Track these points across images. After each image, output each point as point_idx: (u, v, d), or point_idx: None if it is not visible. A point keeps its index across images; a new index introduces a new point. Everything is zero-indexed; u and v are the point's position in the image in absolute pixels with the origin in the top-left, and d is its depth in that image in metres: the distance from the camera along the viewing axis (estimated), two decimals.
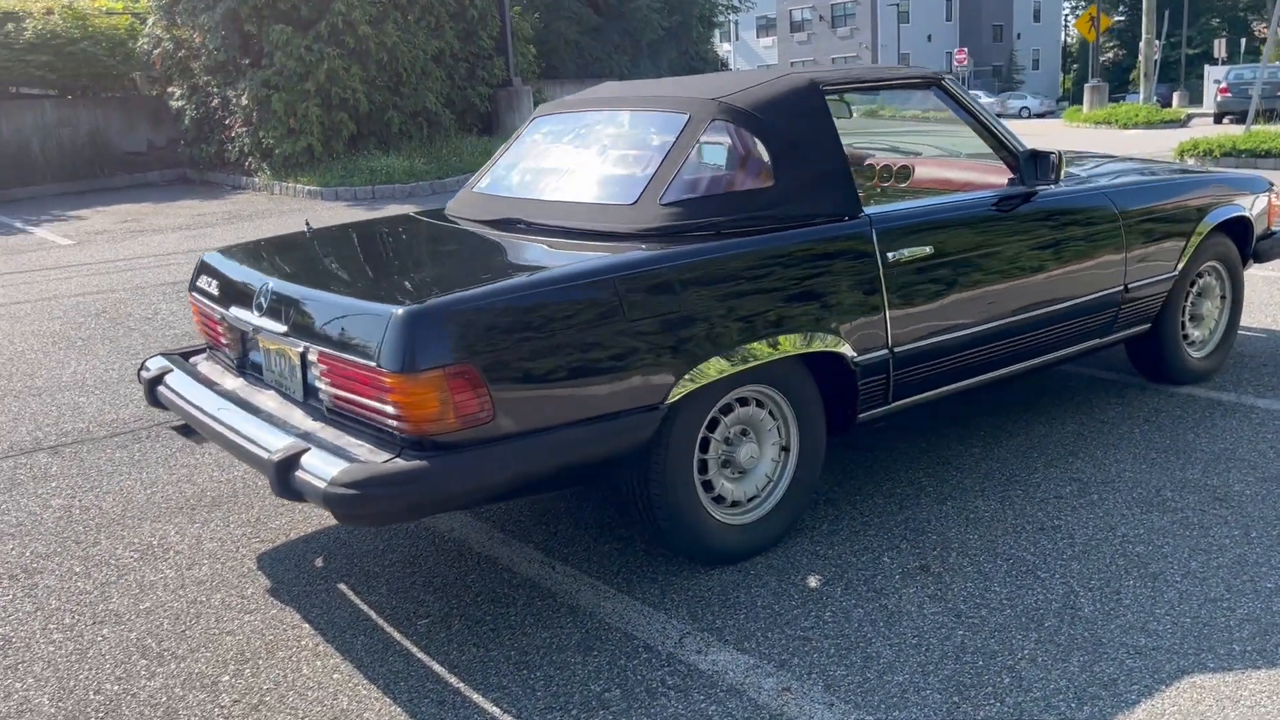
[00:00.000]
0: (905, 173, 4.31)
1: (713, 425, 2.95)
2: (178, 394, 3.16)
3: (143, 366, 3.43)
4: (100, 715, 2.44)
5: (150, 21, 16.17)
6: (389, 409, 2.45)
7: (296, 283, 2.89)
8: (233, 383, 3.13)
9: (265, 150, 14.61)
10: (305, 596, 2.97)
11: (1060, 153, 3.57)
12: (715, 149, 3.26)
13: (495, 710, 2.39)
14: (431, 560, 3.16)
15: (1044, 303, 3.60)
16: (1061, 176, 3.57)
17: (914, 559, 3.01)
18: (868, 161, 4.49)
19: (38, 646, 2.75)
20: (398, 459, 2.44)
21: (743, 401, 3.00)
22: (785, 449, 3.12)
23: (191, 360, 3.42)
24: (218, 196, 14.22)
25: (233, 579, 3.09)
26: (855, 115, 4.53)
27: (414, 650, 2.67)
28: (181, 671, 2.61)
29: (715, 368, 2.78)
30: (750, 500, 3.07)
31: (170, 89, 16.13)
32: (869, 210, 3.21)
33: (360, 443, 2.56)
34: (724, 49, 47.15)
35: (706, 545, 2.96)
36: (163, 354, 3.48)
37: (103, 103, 16.81)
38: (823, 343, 3.02)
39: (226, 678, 2.57)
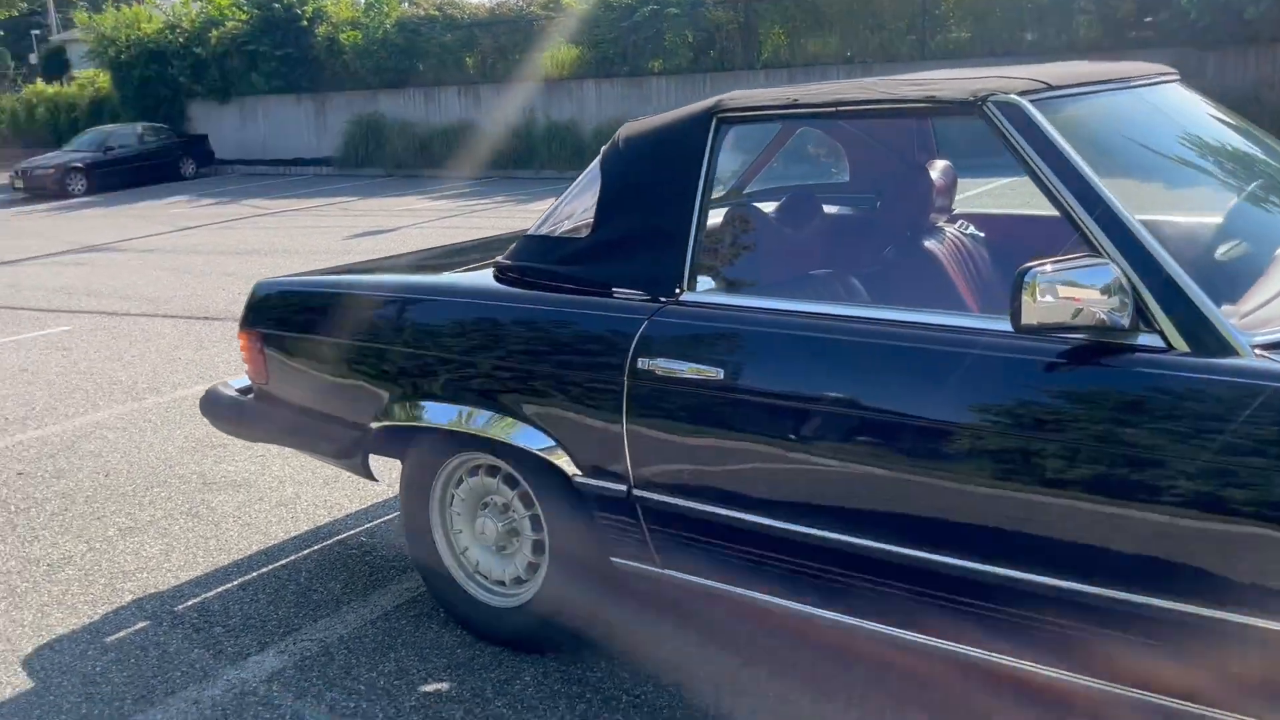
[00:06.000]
0: None
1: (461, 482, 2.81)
2: None
3: None
4: None
5: None
6: None
7: None
8: None
9: None
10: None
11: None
12: (587, 186, 2.82)
13: None
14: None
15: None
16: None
17: None
18: None
19: None
20: (247, 394, 3.24)
21: (492, 470, 2.71)
22: (543, 546, 2.66)
23: None
24: None
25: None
26: None
27: None
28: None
29: (401, 412, 2.73)
30: (501, 586, 2.75)
31: None
32: (692, 296, 2.38)
33: None
34: None
35: (460, 612, 2.86)
36: None
37: None
38: (532, 442, 2.50)
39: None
